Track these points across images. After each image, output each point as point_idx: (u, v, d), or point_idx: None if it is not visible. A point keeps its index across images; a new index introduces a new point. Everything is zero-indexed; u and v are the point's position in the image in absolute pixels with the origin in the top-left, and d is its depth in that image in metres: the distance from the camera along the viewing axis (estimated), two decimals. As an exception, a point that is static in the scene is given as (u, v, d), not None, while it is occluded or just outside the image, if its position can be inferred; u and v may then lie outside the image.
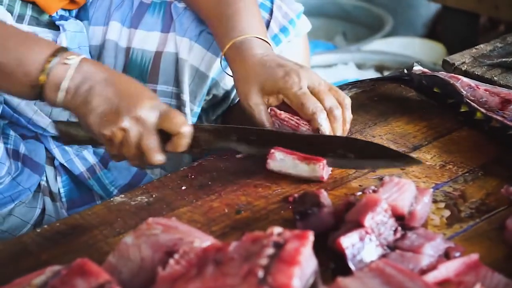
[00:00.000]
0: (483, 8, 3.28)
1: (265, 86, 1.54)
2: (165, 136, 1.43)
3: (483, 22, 3.76)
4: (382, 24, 3.97)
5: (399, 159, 1.48)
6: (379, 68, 3.50)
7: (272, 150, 1.48)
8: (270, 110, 1.57)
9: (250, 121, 1.58)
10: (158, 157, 1.43)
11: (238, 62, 1.58)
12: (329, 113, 1.51)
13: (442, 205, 1.42)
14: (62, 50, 1.40)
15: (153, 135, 1.41)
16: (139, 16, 1.79)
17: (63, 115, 1.72)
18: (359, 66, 3.49)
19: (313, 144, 1.48)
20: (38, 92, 1.39)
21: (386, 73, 3.40)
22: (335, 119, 1.51)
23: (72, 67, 1.38)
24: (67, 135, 1.52)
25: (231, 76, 1.63)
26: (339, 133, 1.53)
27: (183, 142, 1.43)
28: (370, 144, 1.53)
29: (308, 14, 4.27)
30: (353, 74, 3.39)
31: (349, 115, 1.55)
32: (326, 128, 1.50)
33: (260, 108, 1.55)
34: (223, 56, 1.64)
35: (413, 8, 4.17)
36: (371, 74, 3.44)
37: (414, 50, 3.71)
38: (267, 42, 1.62)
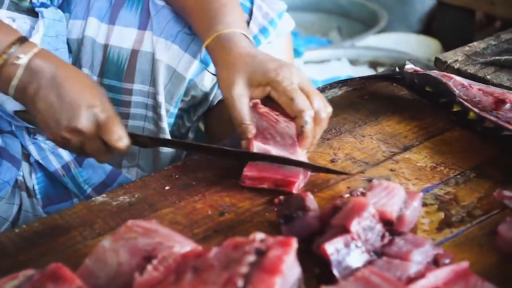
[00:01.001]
0: (479, 4, 3.25)
1: (254, 77, 1.48)
2: None
3: (479, 18, 3.73)
4: (377, 19, 3.94)
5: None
6: (373, 64, 3.47)
7: (245, 174, 1.45)
8: (251, 102, 1.52)
9: (230, 121, 1.53)
10: (103, 158, 1.49)
11: (224, 52, 1.53)
12: (316, 114, 1.46)
13: (432, 208, 1.38)
14: (17, 42, 1.42)
15: (94, 141, 1.45)
16: (117, 10, 1.75)
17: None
18: (353, 62, 3.46)
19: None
20: None
21: (380, 69, 3.38)
22: (320, 122, 1.47)
23: (21, 67, 1.41)
24: (29, 123, 1.59)
25: (212, 74, 1.58)
26: (318, 137, 1.48)
27: (121, 152, 1.47)
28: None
29: (303, 9, 4.29)
30: (346, 71, 3.36)
31: (326, 125, 1.51)
32: (309, 128, 1.45)
33: (243, 100, 1.48)
34: (204, 49, 1.59)
35: (409, 4, 4.14)
36: (365, 70, 3.41)
37: (409, 46, 3.68)
38: (250, 39, 1.57)
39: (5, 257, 1.32)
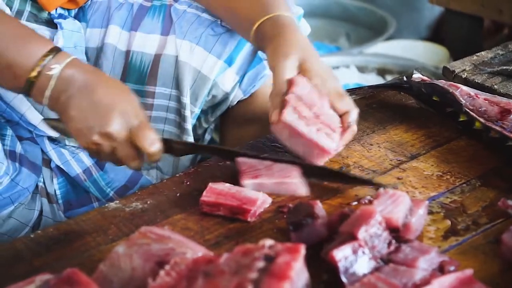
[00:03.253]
0: (487, 12, 3.26)
1: (304, 63, 1.52)
2: None
3: (487, 25, 3.74)
4: (385, 26, 3.95)
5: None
6: (381, 72, 3.48)
7: (202, 199, 1.45)
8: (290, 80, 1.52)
9: (247, 125, 1.58)
10: (134, 164, 1.49)
11: (281, 27, 1.56)
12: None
13: (438, 216, 1.41)
14: (51, 53, 1.44)
15: (126, 147, 1.46)
16: (139, 19, 1.79)
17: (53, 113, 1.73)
18: (361, 69, 3.48)
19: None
20: (27, 95, 1.46)
21: (388, 77, 3.40)
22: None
23: (54, 77, 1.43)
24: (59, 131, 1.58)
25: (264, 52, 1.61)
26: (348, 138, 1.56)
27: (153, 158, 1.48)
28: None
29: (312, 15, 4.31)
30: (355, 78, 3.38)
31: None
32: (355, 126, 1.54)
33: (289, 72, 1.51)
34: (254, 29, 1.61)
35: (417, 11, 4.16)
36: (373, 77, 3.43)
37: (417, 53, 3.70)
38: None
39: (20, 262, 1.35)
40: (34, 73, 1.42)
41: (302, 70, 1.52)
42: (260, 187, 1.46)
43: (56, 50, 1.45)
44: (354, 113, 1.52)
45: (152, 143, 1.45)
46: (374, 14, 4.13)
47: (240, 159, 1.52)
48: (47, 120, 1.59)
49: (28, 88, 1.44)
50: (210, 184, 1.46)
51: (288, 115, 1.46)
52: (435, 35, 4.15)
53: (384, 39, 3.80)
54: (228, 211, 1.42)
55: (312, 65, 1.52)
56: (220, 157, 1.59)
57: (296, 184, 1.46)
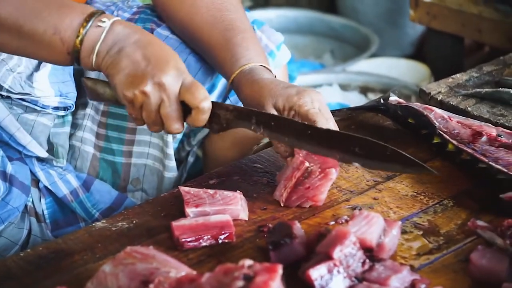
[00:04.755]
0: (467, 32, 3.34)
1: (278, 102, 1.57)
2: (186, 108, 1.48)
3: (468, 44, 3.82)
4: (369, 43, 4.03)
5: (412, 166, 1.45)
6: (364, 90, 3.55)
7: (182, 240, 1.45)
8: None
9: (232, 147, 1.61)
10: (176, 126, 1.48)
11: (249, 84, 1.62)
12: None
13: (411, 236, 1.47)
14: (96, 13, 1.46)
15: (173, 103, 1.46)
16: None
17: (43, 136, 1.77)
18: (344, 87, 3.55)
19: (332, 138, 1.49)
20: (74, 57, 1.46)
21: (370, 95, 3.47)
22: None
23: (105, 30, 1.45)
24: (94, 92, 1.58)
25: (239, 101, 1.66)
26: None
27: (201, 117, 1.48)
28: (386, 149, 1.48)
29: (298, 32, 4.38)
30: (337, 96, 3.44)
31: None
32: None
33: None
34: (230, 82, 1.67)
35: (400, 28, 4.23)
36: (355, 95, 3.49)
37: (399, 71, 3.77)
38: (271, 72, 1.68)
39: (10, 280, 1.39)
40: (82, 30, 1.44)
41: (280, 110, 1.58)
42: (204, 215, 1.51)
43: (101, 12, 1.47)
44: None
45: (205, 99, 1.46)
46: (358, 31, 4.21)
47: (183, 189, 1.56)
48: (85, 78, 1.58)
49: (77, 48, 1.44)
50: (172, 223, 1.48)
51: None
52: (418, 52, 4.23)
53: (367, 56, 3.87)
54: (213, 238, 1.46)
55: (283, 101, 1.57)
56: (267, 128, 1.52)
57: (238, 210, 1.52)
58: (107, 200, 1.84)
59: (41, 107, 1.75)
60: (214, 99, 1.81)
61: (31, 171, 1.80)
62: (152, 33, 1.82)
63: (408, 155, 1.44)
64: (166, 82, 1.44)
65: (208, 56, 1.77)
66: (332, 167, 1.53)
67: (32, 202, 1.81)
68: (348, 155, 1.47)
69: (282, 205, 1.56)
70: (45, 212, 1.82)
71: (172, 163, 1.84)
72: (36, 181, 1.81)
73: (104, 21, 1.45)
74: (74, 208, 1.82)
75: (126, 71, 1.44)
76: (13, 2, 1.45)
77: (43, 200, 1.82)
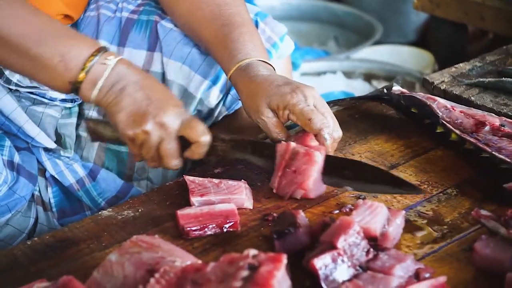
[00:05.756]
0: (470, 19, 3.33)
1: (272, 101, 1.58)
2: (185, 142, 1.52)
3: (472, 30, 3.81)
4: (372, 30, 4.03)
5: (400, 187, 1.52)
6: (368, 77, 3.55)
7: (187, 229, 1.47)
8: None
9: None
10: (175, 162, 1.53)
11: (246, 82, 1.64)
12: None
13: (415, 225, 1.48)
14: (103, 49, 1.50)
15: (173, 140, 1.50)
16: (126, 33, 1.85)
17: (51, 127, 1.79)
18: (348, 75, 3.55)
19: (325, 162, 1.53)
20: (75, 88, 1.49)
21: (374, 82, 3.47)
22: (334, 139, 1.58)
23: (109, 67, 1.48)
24: (95, 132, 1.62)
25: (239, 99, 1.69)
26: (331, 153, 1.59)
27: (201, 150, 1.53)
28: (376, 170, 1.56)
29: (301, 19, 4.38)
30: (341, 85, 3.44)
31: (336, 145, 1.61)
32: (329, 144, 1.56)
33: (273, 120, 1.60)
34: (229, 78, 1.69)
35: (404, 15, 4.23)
36: (359, 83, 3.49)
37: (402, 58, 3.77)
38: (270, 64, 1.68)
39: (17, 268, 1.41)
40: (89, 64, 1.47)
41: (275, 109, 1.59)
42: (209, 204, 1.52)
43: (106, 49, 1.51)
44: (325, 132, 1.56)
45: (204, 133, 1.51)
46: (361, 19, 4.21)
47: (188, 178, 1.57)
48: (88, 120, 1.64)
49: (80, 79, 1.47)
50: (178, 211, 1.50)
51: None
52: (421, 38, 4.22)
53: (371, 44, 3.87)
54: (217, 226, 1.47)
55: (277, 101, 1.58)
56: (262, 157, 1.58)
57: (242, 199, 1.53)
58: (113, 189, 1.86)
59: (49, 99, 1.77)
60: (217, 91, 1.84)
61: (38, 161, 1.82)
62: (156, 25, 1.84)
63: (398, 176, 1.52)
64: (167, 121, 1.48)
65: (208, 52, 1.79)
66: (317, 150, 1.54)
67: (39, 191, 1.83)
68: (337, 179, 1.54)
69: (274, 191, 1.57)
70: (52, 200, 1.83)
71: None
72: (43, 170, 1.83)
73: (109, 59, 1.48)
74: (80, 197, 1.84)
75: (127, 110, 1.48)
76: (25, 24, 1.48)
77: (49, 189, 1.83)
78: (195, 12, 1.77)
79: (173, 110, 1.49)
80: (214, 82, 1.83)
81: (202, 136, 1.51)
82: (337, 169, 1.53)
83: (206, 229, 1.46)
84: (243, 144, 1.58)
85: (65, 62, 1.47)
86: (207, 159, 1.57)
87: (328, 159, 1.53)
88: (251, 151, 1.57)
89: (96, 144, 1.87)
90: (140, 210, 1.56)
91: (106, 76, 1.48)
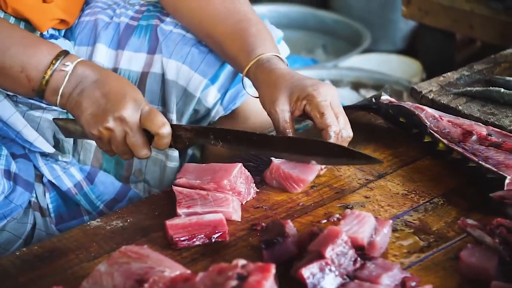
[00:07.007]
0: (458, 27, 3.35)
1: (294, 92, 1.63)
2: (151, 134, 1.58)
3: (460, 38, 3.83)
4: (361, 38, 4.04)
5: (359, 159, 1.60)
6: (356, 85, 3.56)
7: (175, 239, 1.47)
8: None
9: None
10: (144, 152, 1.60)
11: (267, 73, 1.68)
12: (339, 132, 1.62)
13: (402, 234, 1.49)
14: (62, 54, 1.57)
15: (137, 133, 1.57)
16: (126, 38, 1.88)
17: (49, 131, 1.81)
18: (336, 83, 3.55)
19: (286, 144, 1.62)
20: (40, 95, 1.59)
21: (362, 91, 3.48)
22: (342, 140, 1.63)
23: (68, 73, 1.56)
24: (66, 130, 1.69)
25: (251, 95, 1.76)
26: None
27: (163, 141, 1.59)
28: (336, 146, 1.61)
29: (290, 27, 4.39)
30: (329, 93, 3.44)
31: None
32: (333, 142, 1.61)
33: (285, 114, 1.64)
34: (245, 72, 1.73)
35: (393, 23, 4.24)
36: (347, 91, 3.50)
37: (391, 66, 3.78)
38: (285, 62, 1.74)
39: (6, 279, 1.41)
40: (49, 72, 1.55)
41: (293, 101, 1.63)
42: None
43: (65, 52, 1.57)
44: (332, 130, 1.60)
45: (163, 125, 1.57)
46: (350, 26, 4.22)
47: (176, 189, 1.58)
48: (56, 119, 1.70)
49: (43, 88, 1.55)
50: (166, 222, 1.50)
51: None
52: (410, 46, 4.24)
53: (359, 52, 3.88)
54: (206, 237, 1.48)
55: (299, 92, 1.63)
56: (225, 142, 1.64)
57: (230, 212, 1.54)
58: (111, 191, 1.88)
59: (47, 104, 1.78)
60: (215, 91, 1.87)
61: (35, 167, 1.83)
62: (156, 29, 1.87)
63: (353, 149, 1.61)
64: (126, 116, 1.55)
65: (219, 47, 1.81)
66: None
67: (36, 197, 1.84)
68: (303, 156, 1.62)
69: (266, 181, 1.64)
70: (50, 206, 1.85)
71: (175, 153, 1.90)
72: (40, 176, 1.84)
73: (67, 65, 1.56)
74: (78, 200, 1.85)
75: (88, 111, 1.56)
76: None
77: (47, 195, 1.85)
78: (208, 6, 1.82)
79: (130, 104, 1.55)
80: (213, 81, 1.85)
81: (162, 128, 1.57)
82: (301, 149, 1.61)
83: (194, 239, 1.47)
84: (204, 131, 1.64)
85: (26, 72, 1.56)
86: (174, 146, 1.63)
87: (292, 141, 1.61)
88: (213, 137, 1.62)
89: (94, 146, 1.89)
90: (128, 220, 1.57)
91: (65, 82, 1.56)
